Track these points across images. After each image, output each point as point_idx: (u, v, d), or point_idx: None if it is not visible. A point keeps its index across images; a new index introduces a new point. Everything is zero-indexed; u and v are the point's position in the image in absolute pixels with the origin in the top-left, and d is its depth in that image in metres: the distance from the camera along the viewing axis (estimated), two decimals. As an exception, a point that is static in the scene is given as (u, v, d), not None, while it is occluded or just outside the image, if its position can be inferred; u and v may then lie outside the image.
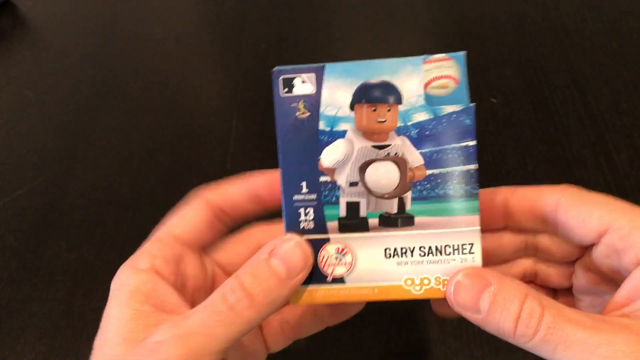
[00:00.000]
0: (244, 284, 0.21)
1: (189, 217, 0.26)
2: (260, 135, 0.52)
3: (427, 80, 0.22)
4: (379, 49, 0.58)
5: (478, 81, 0.54)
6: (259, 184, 0.26)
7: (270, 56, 0.58)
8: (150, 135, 0.53)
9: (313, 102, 0.22)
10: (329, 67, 0.22)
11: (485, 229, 0.24)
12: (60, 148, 0.53)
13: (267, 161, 0.50)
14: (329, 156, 0.22)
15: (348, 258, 0.22)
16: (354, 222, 0.22)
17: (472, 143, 0.21)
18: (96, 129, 0.54)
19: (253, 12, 0.63)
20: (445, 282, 0.22)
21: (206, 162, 0.51)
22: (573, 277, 0.27)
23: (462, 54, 0.22)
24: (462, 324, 0.40)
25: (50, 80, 0.59)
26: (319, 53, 0.59)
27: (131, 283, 0.24)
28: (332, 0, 0.63)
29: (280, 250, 0.22)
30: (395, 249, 0.22)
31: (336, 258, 0.22)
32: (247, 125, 0.53)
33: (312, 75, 0.22)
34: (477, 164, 0.22)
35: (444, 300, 0.23)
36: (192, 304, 0.23)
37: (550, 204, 0.24)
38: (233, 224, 0.27)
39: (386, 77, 0.22)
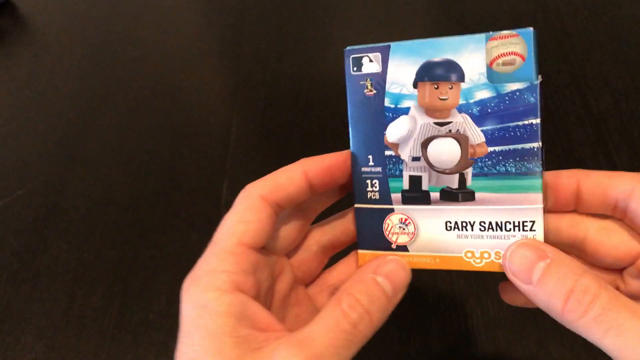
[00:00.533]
0: (362, 302, 0.21)
1: (250, 219, 0.24)
2: (260, 135, 0.52)
3: (493, 57, 0.22)
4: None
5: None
6: (309, 171, 0.25)
7: (270, 56, 0.58)
8: (150, 135, 0.53)
9: (379, 80, 0.23)
10: (394, 46, 0.23)
11: (554, 210, 0.24)
12: (60, 148, 0.53)
13: (267, 161, 0.50)
14: (393, 132, 0.23)
15: (410, 228, 0.23)
16: (416, 195, 0.23)
17: (536, 121, 0.21)
18: (96, 129, 0.54)
19: (253, 12, 0.63)
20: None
21: (206, 162, 0.51)
22: (619, 284, 0.26)
23: (530, 30, 0.22)
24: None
25: (50, 80, 0.59)
26: (319, 53, 0.59)
27: (220, 307, 0.22)
28: (332, 0, 0.63)
29: (385, 270, 0.23)
30: (455, 222, 0.23)
31: (399, 227, 0.23)
32: (247, 125, 0.53)
33: (378, 55, 0.23)
34: (541, 142, 0.22)
35: (511, 286, 0.22)
36: (270, 309, 0.23)
37: (624, 191, 0.23)
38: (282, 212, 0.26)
39: (449, 55, 0.22)
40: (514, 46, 0.22)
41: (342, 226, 0.27)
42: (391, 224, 0.24)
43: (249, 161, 0.51)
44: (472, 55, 0.22)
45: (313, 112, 0.54)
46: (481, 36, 0.22)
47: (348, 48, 0.24)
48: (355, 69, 0.24)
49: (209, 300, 0.22)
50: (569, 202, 0.25)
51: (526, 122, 0.22)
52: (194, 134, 0.53)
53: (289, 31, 0.61)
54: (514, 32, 0.22)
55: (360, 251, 0.25)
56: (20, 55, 0.61)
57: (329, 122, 0.53)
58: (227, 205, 0.48)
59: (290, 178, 0.25)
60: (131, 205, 0.49)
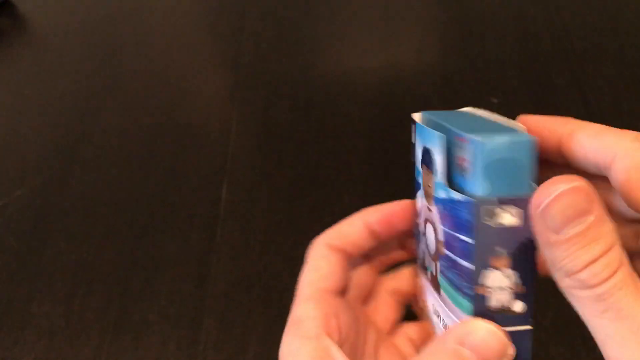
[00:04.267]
0: None
1: (322, 267, 0.25)
2: (260, 135, 0.52)
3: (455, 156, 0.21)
4: (379, 49, 0.58)
5: (478, 81, 0.54)
6: (368, 218, 0.26)
7: (270, 56, 0.58)
8: (150, 135, 0.53)
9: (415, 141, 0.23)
10: (419, 125, 0.23)
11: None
12: (60, 148, 0.53)
13: (267, 161, 0.50)
14: (418, 203, 0.24)
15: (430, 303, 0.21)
16: (422, 268, 0.23)
17: (469, 240, 0.19)
18: (96, 129, 0.54)
19: (253, 11, 0.63)
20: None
21: (206, 162, 0.51)
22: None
23: (478, 140, 0.19)
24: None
25: (50, 80, 0.59)
26: (319, 53, 0.59)
27: (305, 354, 0.23)
28: (332, 0, 0.63)
29: (470, 341, 0.20)
30: (434, 309, 0.23)
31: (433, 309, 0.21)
32: (247, 125, 0.53)
33: (521, 211, 0.19)
34: (474, 265, 0.19)
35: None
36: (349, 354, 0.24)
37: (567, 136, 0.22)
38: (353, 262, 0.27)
39: (429, 145, 0.21)
40: (464, 152, 0.20)
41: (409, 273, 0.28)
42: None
43: (249, 161, 0.51)
44: (437, 150, 0.21)
45: (313, 112, 0.54)
46: (441, 135, 0.20)
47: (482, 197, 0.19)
48: (487, 219, 0.19)
49: (297, 348, 0.23)
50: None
51: (465, 238, 0.19)
52: (194, 134, 0.53)
53: (289, 30, 0.61)
54: (464, 136, 0.19)
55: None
56: (20, 55, 0.61)
57: (329, 122, 0.53)
58: (227, 205, 0.48)
59: (352, 225, 0.26)
60: (131, 205, 0.49)
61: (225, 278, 0.44)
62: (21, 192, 0.50)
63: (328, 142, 0.51)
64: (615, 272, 0.19)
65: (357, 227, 0.26)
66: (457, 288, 0.20)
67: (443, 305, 0.22)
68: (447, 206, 0.20)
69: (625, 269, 0.19)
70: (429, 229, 0.22)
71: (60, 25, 0.64)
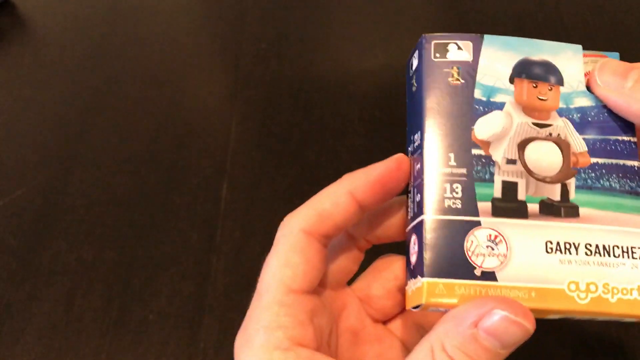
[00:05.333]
0: None
1: (296, 261, 0.21)
2: (260, 135, 0.52)
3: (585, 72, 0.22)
4: (379, 48, 0.58)
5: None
6: (355, 190, 0.22)
7: (270, 56, 0.58)
8: (150, 135, 0.53)
9: (469, 69, 0.20)
10: (488, 37, 0.21)
11: None
12: (60, 148, 0.53)
13: (267, 161, 0.50)
14: (485, 127, 0.20)
15: (502, 248, 0.18)
16: (511, 206, 0.19)
17: (634, 139, 0.20)
18: (96, 129, 0.54)
19: (253, 12, 0.63)
20: (615, 290, 0.18)
21: (206, 162, 0.51)
22: None
23: (616, 54, 0.22)
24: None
25: (50, 80, 0.59)
26: (319, 53, 0.59)
27: None
28: (332, 1, 0.63)
29: (489, 326, 0.18)
30: (558, 243, 0.18)
31: (487, 247, 0.18)
32: (247, 125, 0.53)
33: (469, 43, 0.21)
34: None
35: None
36: (338, 353, 0.21)
37: None
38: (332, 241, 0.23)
39: (547, 57, 0.21)
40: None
41: None
42: (476, 241, 0.18)
43: (249, 161, 0.51)
44: (570, 61, 0.21)
45: (313, 112, 0.54)
46: (577, 46, 0.22)
47: (427, 35, 0.21)
48: (438, 55, 0.21)
49: None
50: None
51: (625, 138, 0.20)
52: (194, 134, 0.53)
53: (289, 31, 0.61)
54: (603, 53, 0.22)
55: (426, 280, 0.19)
56: (20, 55, 0.61)
57: (329, 122, 0.53)
58: (227, 205, 0.48)
59: (335, 203, 0.21)
60: (131, 205, 0.49)
61: (225, 278, 0.44)
62: (21, 192, 0.50)
63: (328, 142, 0.51)
64: None
65: (341, 203, 0.21)
66: (625, 192, 0.19)
67: (587, 229, 0.19)
68: (595, 112, 0.20)
69: None
70: (545, 148, 0.19)
71: (60, 25, 0.64)
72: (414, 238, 0.20)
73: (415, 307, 0.20)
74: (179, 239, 0.47)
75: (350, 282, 0.25)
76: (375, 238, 0.24)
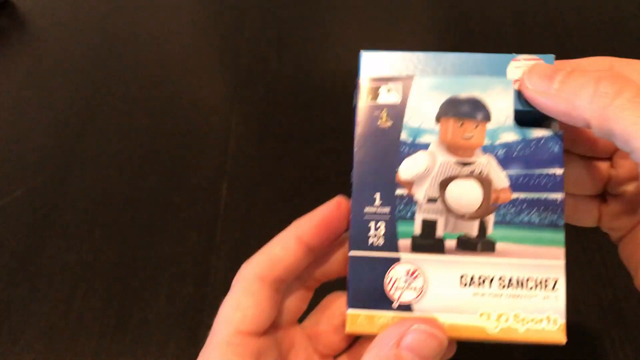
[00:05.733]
0: None
1: (247, 304, 0.23)
2: (260, 135, 0.52)
3: (516, 79, 0.22)
4: (379, 48, 0.58)
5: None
6: (302, 234, 0.23)
7: (270, 56, 0.58)
8: (150, 135, 0.53)
9: (397, 111, 0.21)
10: (418, 78, 0.21)
11: None
12: (60, 148, 0.53)
13: (267, 161, 0.50)
14: (409, 168, 0.21)
15: (419, 282, 0.20)
16: (429, 242, 0.20)
17: (560, 171, 0.20)
18: (96, 129, 0.54)
19: (253, 12, 0.63)
20: (525, 320, 0.20)
21: (206, 162, 0.51)
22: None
23: (551, 56, 0.22)
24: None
25: (49, 80, 0.59)
26: (319, 53, 0.59)
27: None
28: (332, 0, 0.63)
29: (410, 343, 0.19)
30: (472, 277, 0.20)
31: (405, 281, 0.20)
32: (247, 125, 0.53)
33: (399, 85, 0.21)
34: (564, 194, 0.21)
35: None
36: None
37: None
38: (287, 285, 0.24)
39: (476, 93, 0.21)
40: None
41: None
42: (395, 276, 0.20)
43: (249, 161, 0.51)
44: (499, 96, 0.21)
45: (313, 112, 0.54)
46: (509, 81, 0.21)
47: (361, 76, 0.22)
48: (370, 97, 0.22)
49: None
50: None
51: (550, 171, 0.20)
52: (194, 134, 0.53)
53: (289, 31, 0.61)
54: (536, 56, 0.22)
55: (349, 311, 0.21)
56: (20, 55, 0.61)
57: (329, 122, 0.53)
58: (227, 205, 0.48)
59: (285, 247, 0.23)
60: (131, 205, 0.49)
61: (225, 278, 0.44)
62: (21, 192, 0.50)
63: (328, 142, 0.51)
64: (628, 82, 0.19)
65: (290, 247, 0.23)
66: (544, 226, 0.20)
67: (503, 263, 0.20)
68: (521, 147, 0.20)
69: (636, 83, 0.19)
70: (466, 186, 0.20)
71: (60, 25, 0.64)
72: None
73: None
74: (179, 239, 0.47)
75: (301, 319, 0.26)
76: (323, 275, 0.25)
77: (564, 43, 0.57)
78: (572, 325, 0.40)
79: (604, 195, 0.26)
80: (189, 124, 0.54)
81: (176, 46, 0.61)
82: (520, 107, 0.21)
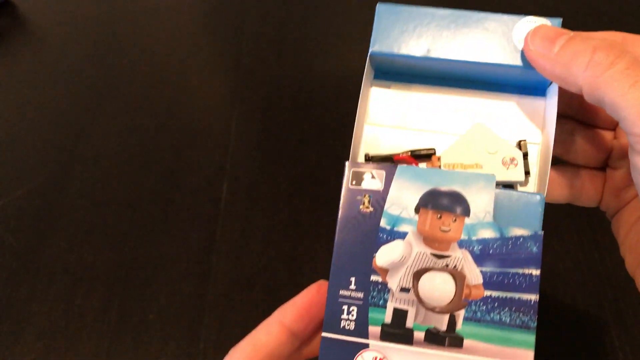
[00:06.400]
0: None
1: None
2: (260, 135, 0.52)
3: (519, 39, 0.23)
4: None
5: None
6: (284, 320, 0.23)
7: (271, 56, 0.58)
8: (150, 135, 0.53)
9: (379, 198, 0.21)
10: (401, 168, 0.22)
11: None
12: (60, 148, 0.53)
13: (267, 161, 0.50)
14: (385, 255, 0.21)
15: None
16: (398, 332, 0.20)
17: (536, 272, 0.20)
18: (96, 129, 0.54)
19: (253, 12, 0.63)
20: None
21: (206, 162, 0.51)
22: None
23: (559, 20, 0.24)
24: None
25: (49, 79, 0.59)
26: (319, 53, 0.59)
27: None
28: (332, 1, 0.63)
29: None
30: None
31: None
32: (247, 125, 0.53)
33: (383, 173, 0.22)
34: (538, 295, 0.20)
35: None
36: None
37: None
38: None
39: (457, 187, 0.21)
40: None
41: None
42: None
43: (249, 161, 0.51)
44: (480, 192, 0.21)
45: (313, 112, 0.54)
46: (492, 177, 0.21)
47: (348, 162, 0.23)
48: (354, 182, 0.22)
49: None
50: None
51: (527, 271, 0.20)
52: (194, 133, 0.53)
53: (289, 31, 0.61)
54: (544, 18, 0.24)
55: None
56: (20, 54, 0.61)
57: (329, 122, 0.53)
58: (227, 205, 0.48)
59: (269, 333, 0.23)
60: (131, 205, 0.49)
61: (225, 278, 0.44)
62: (21, 192, 0.50)
63: (328, 142, 0.51)
64: (623, 52, 0.20)
65: (273, 332, 0.23)
66: (515, 327, 0.20)
67: (464, 357, 0.20)
68: (498, 244, 0.20)
69: (631, 53, 0.20)
70: (439, 279, 0.21)
71: (60, 25, 0.64)
72: None
73: None
74: (179, 239, 0.47)
75: None
76: (310, 353, 0.25)
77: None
78: (572, 325, 0.40)
79: (604, 169, 0.27)
80: (189, 124, 0.54)
81: (176, 46, 0.61)
82: (521, 65, 0.23)
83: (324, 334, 0.21)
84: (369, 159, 0.24)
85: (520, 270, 0.20)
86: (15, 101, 0.57)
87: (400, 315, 0.20)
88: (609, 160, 0.27)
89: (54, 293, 0.44)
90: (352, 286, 0.21)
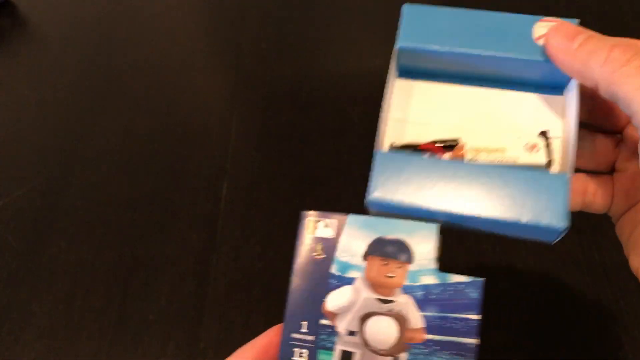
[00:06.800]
0: None
1: None
2: (260, 135, 0.52)
3: (537, 36, 0.25)
4: (379, 49, 0.58)
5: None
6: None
7: (270, 56, 0.58)
8: (150, 135, 0.53)
9: (330, 245, 0.23)
10: (351, 217, 0.23)
11: None
12: (60, 148, 0.53)
13: (267, 161, 0.50)
14: (334, 300, 0.22)
15: None
16: None
17: (476, 317, 0.21)
18: (96, 129, 0.54)
19: (253, 12, 0.63)
20: None
21: (206, 162, 0.51)
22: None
23: (576, 20, 0.26)
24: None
25: (50, 80, 0.59)
26: (319, 53, 0.59)
27: None
28: (332, 1, 0.63)
29: None
30: None
31: None
32: (247, 125, 0.53)
33: (335, 221, 0.23)
34: (479, 339, 0.21)
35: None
36: None
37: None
38: None
39: (402, 236, 0.22)
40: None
41: None
42: None
43: (249, 161, 0.51)
44: (423, 240, 0.22)
45: (313, 112, 0.54)
46: (433, 225, 0.22)
47: (305, 212, 0.24)
48: (309, 230, 0.24)
49: None
50: None
51: (466, 316, 0.21)
52: (194, 133, 0.53)
53: (289, 31, 0.61)
54: (561, 19, 0.25)
55: None
56: (20, 55, 0.61)
57: (329, 122, 0.53)
58: (227, 205, 0.48)
59: None
60: (131, 205, 0.49)
61: (225, 278, 0.44)
62: (21, 192, 0.51)
63: (328, 142, 0.51)
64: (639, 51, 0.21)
65: None
66: None
67: None
68: (440, 290, 0.21)
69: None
70: (383, 322, 0.22)
71: (60, 25, 0.64)
72: None
73: None
74: (179, 239, 0.47)
75: None
76: None
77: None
78: (572, 325, 0.40)
79: (612, 174, 0.27)
80: (189, 124, 0.54)
81: (176, 46, 0.61)
82: (540, 59, 0.24)
83: None
84: (394, 147, 0.25)
85: (460, 315, 0.21)
86: (15, 101, 0.57)
87: (346, 357, 0.21)
88: (617, 163, 0.27)
89: (54, 293, 0.44)
90: (304, 329, 0.22)
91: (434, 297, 0.21)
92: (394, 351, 0.21)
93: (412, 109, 0.27)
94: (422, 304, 0.21)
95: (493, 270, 0.43)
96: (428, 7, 0.26)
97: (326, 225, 0.23)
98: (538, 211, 0.21)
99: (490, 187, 0.22)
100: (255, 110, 0.54)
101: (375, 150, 0.25)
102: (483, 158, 0.24)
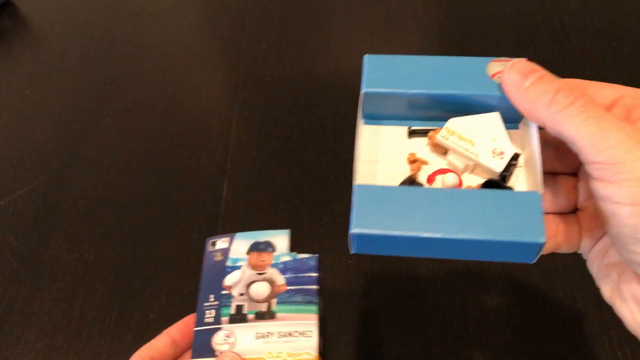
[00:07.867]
0: None
1: None
2: (260, 135, 0.52)
3: (492, 73, 0.28)
4: (378, 49, 0.58)
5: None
6: (170, 331, 0.33)
7: (271, 56, 0.59)
8: (150, 135, 0.53)
9: (225, 251, 0.36)
10: (238, 235, 0.36)
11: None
12: (60, 148, 0.53)
13: (267, 161, 0.51)
14: (229, 279, 0.35)
15: (231, 339, 0.32)
16: (239, 317, 0.33)
17: (314, 274, 0.34)
18: (96, 129, 0.54)
19: (253, 12, 0.63)
20: (294, 355, 0.32)
21: (206, 162, 0.51)
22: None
23: (524, 59, 0.27)
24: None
25: (50, 80, 0.59)
26: (319, 53, 0.59)
27: None
28: (332, 1, 0.63)
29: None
30: (262, 333, 0.32)
31: (224, 339, 0.33)
32: (247, 125, 0.53)
33: (228, 239, 0.36)
34: (318, 287, 0.34)
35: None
36: None
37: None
38: None
39: (269, 238, 0.36)
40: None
41: None
42: (217, 338, 0.32)
43: (249, 161, 0.51)
44: (281, 240, 0.36)
45: (313, 112, 0.54)
46: (286, 231, 0.36)
47: (209, 238, 0.37)
48: (212, 247, 0.36)
49: None
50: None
51: (309, 275, 0.34)
52: (194, 134, 0.53)
53: (289, 31, 0.61)
54: (511, 58, 0.27)
55: None
56: (21, 55, 0.61)
57: (329, 122, 0.53)
58: (227, 205, 0.48)
59: (158, 339, 0.33)
60: (131, 205, 0.49)
61: (225, 278, 0.44)
62: (21, 192, 0.51)
63: (328, 142, 0.51)
64: (582, 94, 0.23)
65: (162, 339, 0.33)
66: (305, 302, 0.33)
67: (280, 324, 0.33)
68: (292, 263, 0.35)
69: (589, 96, 0.24)
70: (260, 285, 0.34)
71: (61, 25, 0.64)
72: None
73: None
74: (179, 239, 0.47)
75: None
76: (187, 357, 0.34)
77: (564, 43, 0.57)
78: (572, 325, 0.40)
79: (575, 213, 0.28)
80: (190, 124, 0.54)
81: (177, 47, 0.61)
82: (498, 94, 0.27)
83: (196, 329, 0.33)
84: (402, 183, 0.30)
85: (305, 274, 0.34)
86: (15, 101, 0.57)
87: (239, 308, 0.34)
88: (578, 202, 0.29)
89: (54, 293, 0.44)
90: (212, 299, 0.34)
91: (290, 267, 0.35)
92: (268, 299, 0.34)
93: (381, 151, 0.32)
94: (283, 271, 0.34)
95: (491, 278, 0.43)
96: (387, 55, 0.30)
97: (223, 241, 0.37)
98: (517, 229, 0.24)
99: (468, 210, 0.25)
100: (255, 110, 0.54)
101: (353, 184, 0.28)
102: (452, 141, 0.27)
